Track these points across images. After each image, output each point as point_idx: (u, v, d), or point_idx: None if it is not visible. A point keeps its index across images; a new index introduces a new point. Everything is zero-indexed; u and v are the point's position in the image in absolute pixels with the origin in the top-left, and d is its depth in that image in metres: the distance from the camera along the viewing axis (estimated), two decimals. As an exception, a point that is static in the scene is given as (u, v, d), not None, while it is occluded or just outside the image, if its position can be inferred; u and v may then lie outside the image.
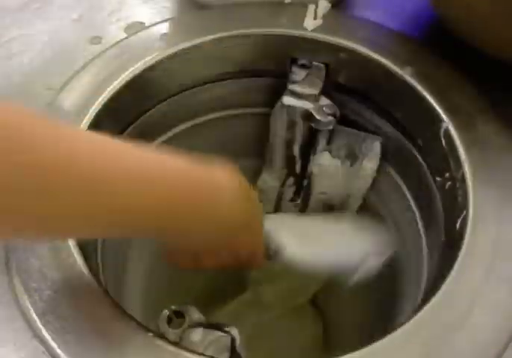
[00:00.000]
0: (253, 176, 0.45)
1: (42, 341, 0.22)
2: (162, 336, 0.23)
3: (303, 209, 0.46)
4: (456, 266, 0.25)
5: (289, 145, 0.41)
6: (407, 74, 0.32)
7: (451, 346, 0.23)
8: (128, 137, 0.35)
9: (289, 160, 0.42)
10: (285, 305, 0.50)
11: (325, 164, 0.40)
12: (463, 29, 0.34)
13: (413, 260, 0.35)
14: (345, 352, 0.23)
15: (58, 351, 0.22)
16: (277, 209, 0.47)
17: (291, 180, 0.44)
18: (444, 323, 0.24)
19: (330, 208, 0.44)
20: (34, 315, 0.23)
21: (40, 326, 0.22)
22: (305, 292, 0.50)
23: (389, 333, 0.24)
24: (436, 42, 0.36)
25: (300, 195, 0.45)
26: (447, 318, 0.24)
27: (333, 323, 0.50)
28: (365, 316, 0.44)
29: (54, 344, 0.22)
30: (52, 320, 0.22)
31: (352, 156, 0.39)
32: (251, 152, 0.43)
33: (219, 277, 0.48)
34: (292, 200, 0.46)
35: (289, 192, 0.45)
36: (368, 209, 0.41)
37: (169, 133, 0.39)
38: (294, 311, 0.50)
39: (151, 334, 0.23)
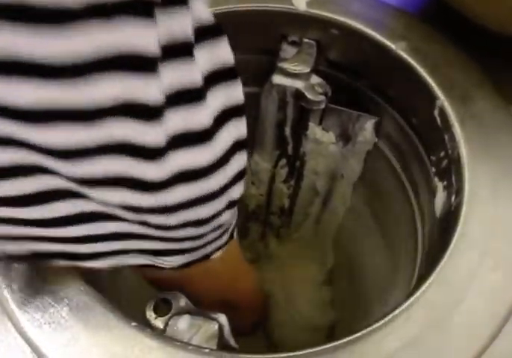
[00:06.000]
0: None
1: (22, 332, 0.22)
2: (147, 325, 0.23)
3: (296, 191, 0.45)
4: (450, 247, 0.25)
5: (280, 125, 0.40)
6: (400, 50, 0.31)
7: (445, 329, 0.23)
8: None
9: (281, 141, 0.41)
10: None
11: (318, 138, 0.39)
12: (462, 2, 0.32)
13: (407, 240, 0.34)
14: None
15: (38, 343, 0.21)
16: (270, 191, 0.46)
17: (283, 161, 0.43)
18: (438, 306, 0.23)
19: (324, 200, 0.43)
20: (13, 305, 0.22)
21: (19, 316, 0.22)
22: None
23: (382, 317, 0.23)
24: (432, 16, 0.35)
25: (293, 177, 0.44)
26: (441, 301, 0.23)
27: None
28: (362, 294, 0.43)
29: (33, 335, 0.21)
30: (31, 310, 0.22)
31: (345, 136, 0.38)
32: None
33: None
34: (285, 181, 0.45)
35: (281, 174, 0.44)
36: (362, 188, 0.40)
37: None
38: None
39: (135, 324, 0.22)
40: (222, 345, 0.25)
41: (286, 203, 0.47)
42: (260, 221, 0.50)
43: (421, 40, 0.32)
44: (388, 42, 0.32)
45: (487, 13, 0.32)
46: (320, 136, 0.38)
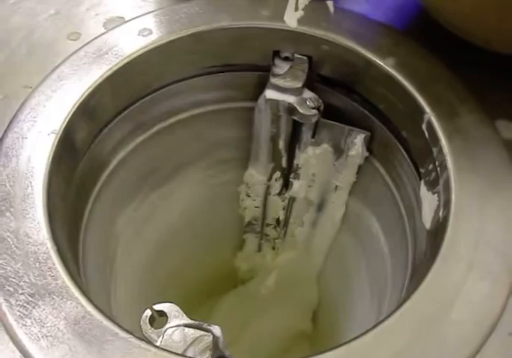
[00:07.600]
0: (239, 171, 0.45)
1: (19, 346, 0.22)
2: (142, 338, 0.23)
3: (290, 203, 0.46)
4: (438, 259, 0.25)
5: (274, 139, 0.40)
6: (389, 66, 0.32)
7: (433, 339, 0.23)
8: (106, 136, 0.34)
9: (275, 154, 0.42)
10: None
11: (311, 152, 0.40)
12: (449, 20, 0.33)
13: (397, 251, 0.35)
14: (332, 344, 0.23)
15: (35, 356, 0.22)
16: (265, 203, 0.47)
17: (278, 174, 0.44)
18: (427, 316, 0.24)
19: (318, 209, 0.44)
20: (11, 319, 0.22)
21: (16, 330, 0.22)
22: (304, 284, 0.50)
23: (371, 328, 0.24)
24: (420, 32, 0.36)
25: (288, 189, 0.45)
26: (429, 311, 0.24)
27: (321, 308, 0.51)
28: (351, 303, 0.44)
29: (31, 349, 0.22)
30: (29, 324, 0.22)
31: (337, 150, 0.38)
32: (237, 147, 0.43)
33: (208, 275, 0.48)
34: (279, 194, 0.46)
35: (276, 186, 0.45)
36: (352, 201, 0.41)
37: (153, 130, 0.39)
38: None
39: (130, 336, 0.22)
40: (217, 357, 0.25)
41: (281, 214, 0.47)
42: (257, 233, 0.51)
43: (408, 56, 0.32)
44: (376, 58, 0.32)
45: (474, 30, 0.32)
46: (313, 150, 0.39)
